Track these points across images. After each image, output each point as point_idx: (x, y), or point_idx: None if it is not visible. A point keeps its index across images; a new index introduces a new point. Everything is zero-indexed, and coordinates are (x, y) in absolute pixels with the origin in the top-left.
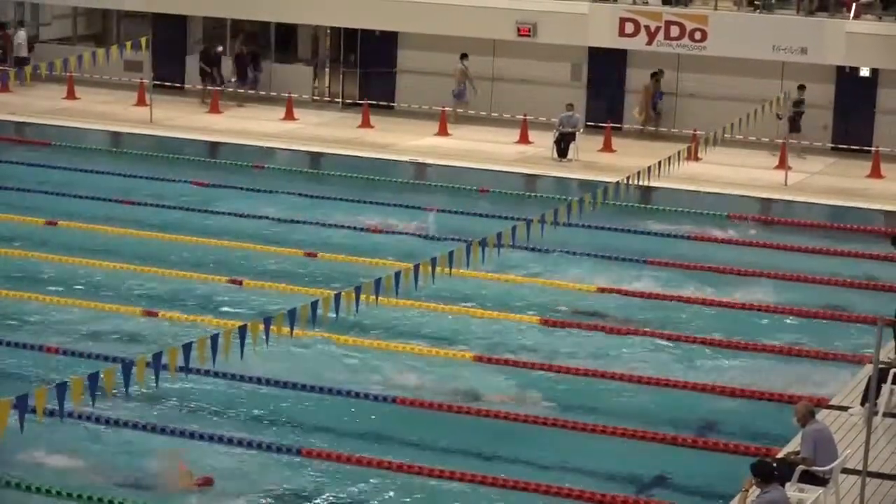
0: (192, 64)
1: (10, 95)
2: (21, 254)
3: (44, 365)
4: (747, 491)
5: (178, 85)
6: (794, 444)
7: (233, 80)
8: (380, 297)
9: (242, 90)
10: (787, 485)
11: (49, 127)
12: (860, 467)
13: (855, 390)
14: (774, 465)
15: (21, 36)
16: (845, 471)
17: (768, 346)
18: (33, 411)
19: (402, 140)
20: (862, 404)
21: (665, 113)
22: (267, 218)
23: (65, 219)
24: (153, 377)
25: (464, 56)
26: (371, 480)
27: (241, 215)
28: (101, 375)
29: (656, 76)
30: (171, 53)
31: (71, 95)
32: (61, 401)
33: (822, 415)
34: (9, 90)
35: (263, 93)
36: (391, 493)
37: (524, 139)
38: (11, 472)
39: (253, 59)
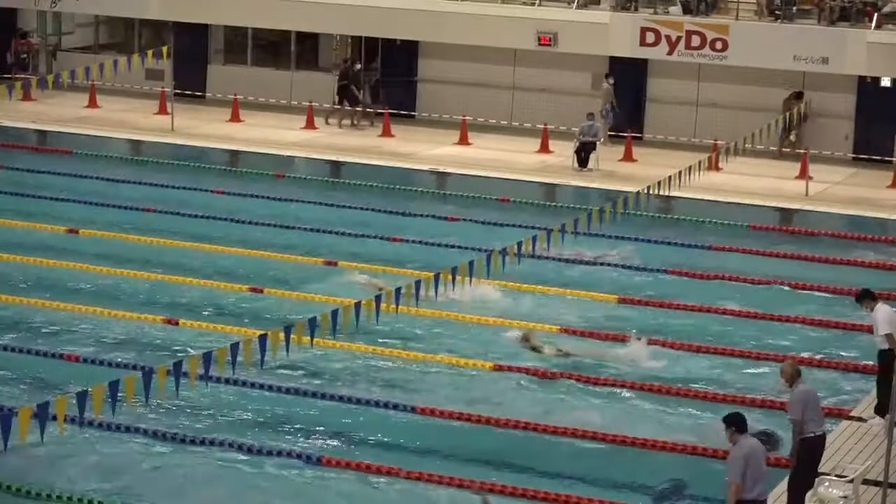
0: (214, 72)
1: (32, 104)
2: (43, 262)
3: (64, 373)
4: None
5: (198, 94)
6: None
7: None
8: (400, 306)
9: (372, 109)
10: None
11: (71, 135)
12: (881, 478)
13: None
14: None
15: None
16: (866, 482)
17: (788, 356)
18: (54, 419)
19: (422, 149)
20: (876, 412)
21: (685, 123)
22: (287, 227)
23: (86, 227)
24: (174, 386)
25: (608, 75)
26: (395, 489)
27: (261, 224)
28: (122, 384)
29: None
30: (192, 62)
31: (92, 104)
32: (82, 409)
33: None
34: (31, 98)
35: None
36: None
37: (545, 148)
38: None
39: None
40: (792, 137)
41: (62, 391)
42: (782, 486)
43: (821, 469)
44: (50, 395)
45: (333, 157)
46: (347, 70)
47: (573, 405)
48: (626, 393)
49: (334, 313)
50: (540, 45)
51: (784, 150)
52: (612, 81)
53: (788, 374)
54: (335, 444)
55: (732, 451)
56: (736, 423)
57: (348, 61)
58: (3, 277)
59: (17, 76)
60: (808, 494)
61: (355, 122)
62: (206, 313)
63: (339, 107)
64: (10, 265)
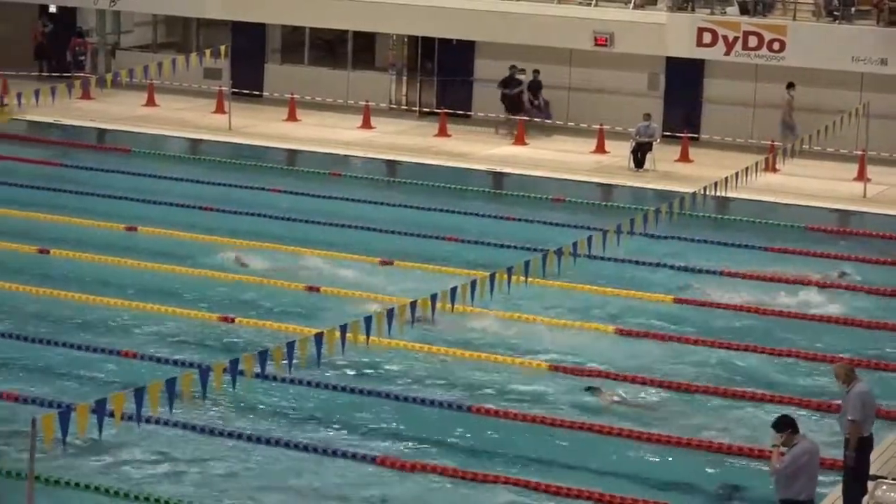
0: (271, 72)
1: (91, 102)
2: (101, 259)
3: (122, 369)
4: (777, 447)
5: (256, 93)
6: None
7: (532, 104)
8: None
9: (539, 119)
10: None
11: (129, 133)
12: None
13: None
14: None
15: None
16: None
17: (845, 358)
18: (111, 416)
19: (478, 149)
20: None
21: (741, 123)
22: (344, 225)
23: (144, 225)
24: (230, 384)
25: (790, 86)
26: (445, 487)
27: (317, 223)
28: (179, 381)
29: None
30: (249, 61)
31: (151, 103)
32: (139, 406)
33: None
34: (90, 97)
35: (549, 121)
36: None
37: (601, 149)
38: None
39: (538, 87)
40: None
41: (120, 388)
42: (829, 488)
43: (878, 472)
44: (108, 392)
45: (390, 157)
46: (511, 78)
47: (625, 404)
48: (678, 393)
49: (390, 312)
50: (596, 45)
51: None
52: (793, 93)
53: (842, 374)
54: (390, 443)
55: (791, 451)
56: (791, 425)
57: (514, 68)
58: (64, 275)
59: (75, 75)
60: (865, 499)
61: (508, 130)
62: (263, 311)
63: (512, 116)
64: (71, 262)
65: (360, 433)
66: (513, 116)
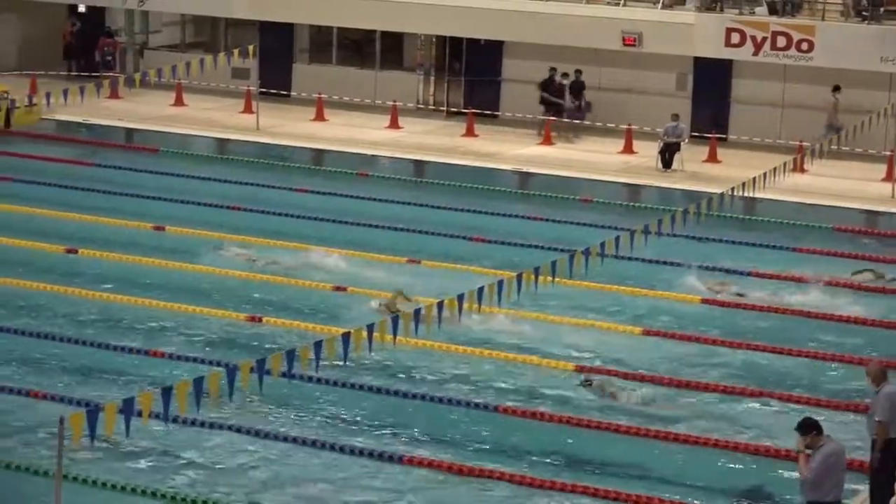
0: (299, 71)
1: (119, 102)
2: (128, 258)
3: (150, 369)
4: (804, 452)
5: (284, 93)
6: None
7: (573, 104)
8: (482, 306)
9: (579, 120)
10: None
11: (157, 133)
12: None
13: None
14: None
15: None
16: None
17: (875, 359)
18: (139, 415)
19: (505, 149)
20: None
21: (769, 124)
22: (371, 225)
23: (172, 224)
24: (257, 383)
25: (836, 88)
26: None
27: (344, 222)
28: (206, 380)
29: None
30: (277, 61)
31: (179, 102)
32: (166, 405)
33: None
34: (119, 96)
35: (588, 122)
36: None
37: (628, 149)
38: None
39: (581, 88)
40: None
41: (148, 386)
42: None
43: None
44: (135, 391)
45: (417, 157)
46: (550, 80)
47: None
48: (705, 394)
49: (416, 312)
50: (624, 45)
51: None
52: (839, 96)
53: (874, 374)
54: (419, 443)
55: (819, 452)
56: (816, 427)
57: (553, 70)
58: (92, 274)
59: (103, 75)
60: (893, 500)
61: (565, 133)
62: (290, 311)
63: (551, 118)
64: (99, 262)
65: (384, 432)
66: (552, 118)
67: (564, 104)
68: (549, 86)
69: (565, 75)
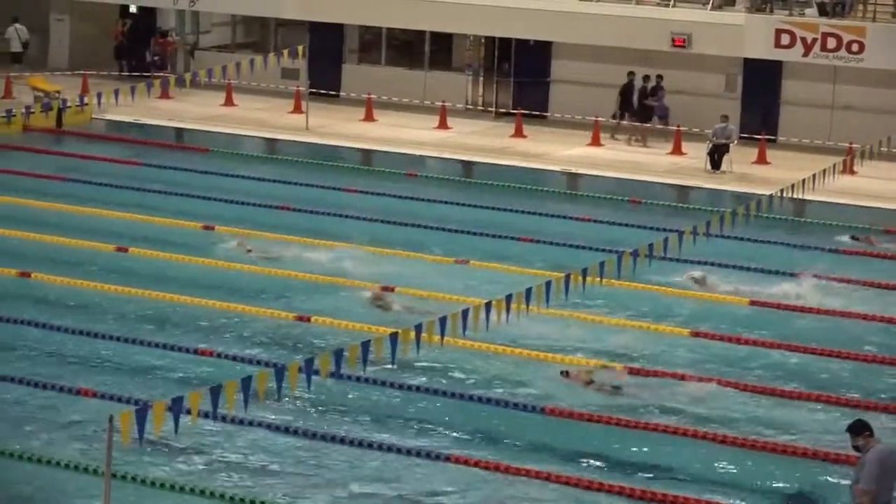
0: (349, 72)
1: (170, 102)
2: (179, 257)
3: (199, 368)
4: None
5: (333, 93)
6: None
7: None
8: (530, 307)
9: (650, 123)
10: None
11: (207, 133)
12: None
13: None
14: None
15: (10, 32)
16: None
17: None
18: (188, 414)
19: (554, 150)
20: None
21: (819, 125)
22: (419, 226)
23: (222, 224)
24: (305, 382)
25: None
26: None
27: (392, 223)
28: (255, 379)
29: None
30: (327, 62)
31: (229, 102)
32: (215, 404)
33: None
34: (169, 97)
35: (661, 126)
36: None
37: (677, 150)
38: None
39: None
40: None
41: (197, 385)
42: None
43: None
44: (184, 390)
45: (466, 158)
46: (630, 84)
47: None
48: (754, 396)
49: (465, 313)
50: (674, 46)
51: None
52: None
53: None
54: (464, 442)
55: (867, 455)
56: (867, 428)
57: (632, 74)
58: (142, 273)
59: (154, 75)
60: None
61: (637, 138)
62: (338, 311)
63: (625, 122)
64: (149, 261)
65: (430, 431)
66: (632, 123)
67: (656, 109)
68: (627, 91)
69: (646, 78)
